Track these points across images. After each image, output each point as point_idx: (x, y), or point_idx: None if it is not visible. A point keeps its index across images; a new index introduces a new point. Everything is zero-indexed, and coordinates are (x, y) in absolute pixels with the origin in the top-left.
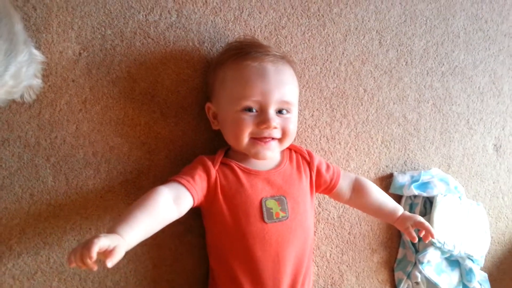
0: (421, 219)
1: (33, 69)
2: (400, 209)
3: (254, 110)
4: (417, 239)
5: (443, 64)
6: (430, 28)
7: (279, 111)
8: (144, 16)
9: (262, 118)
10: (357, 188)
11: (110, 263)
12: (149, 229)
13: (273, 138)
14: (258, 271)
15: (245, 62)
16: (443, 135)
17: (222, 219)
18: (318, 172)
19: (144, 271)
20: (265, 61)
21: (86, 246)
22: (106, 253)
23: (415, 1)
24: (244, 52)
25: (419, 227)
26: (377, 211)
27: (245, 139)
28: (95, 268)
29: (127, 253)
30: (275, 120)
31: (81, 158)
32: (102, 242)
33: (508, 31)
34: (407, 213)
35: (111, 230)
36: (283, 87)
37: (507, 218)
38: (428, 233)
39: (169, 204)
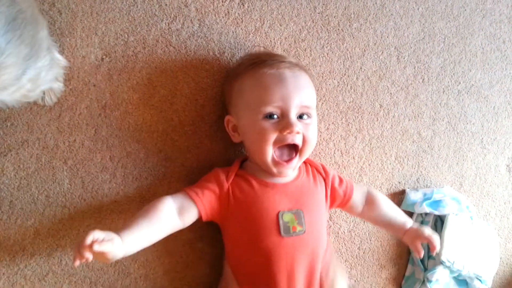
0: (426, 232)
1: (53, 73)
2: (409, 223)
3: (275, 117)
4: (422, 255)
5: (460, 83)
6: (448, 46)
7: (300, 116)
8: (167, 24)
9: (285, 123)
10: (369, 201)
11: (98, 245)
12: (149, 236)
13: (295, 152)
14: (273, 284)
15: (261, 70)
16: (457, 154)
17: (238, 232)
18: (332, 187)
19: (154, 277)
20: (281, 67)
21: (83, 238)
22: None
23: (434, 19)
24: (260, 61)
25: (424, 241)
26: (387, 224)
27: (270, 151)
28: (90, 258)
29: (138, 259)
30: (297, 125)
31: (98, 162)
32: (97, 233)
33: None
34: (415, 227)
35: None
36: (302, 91)
37: None
38: (432, 246)
39: (172, 214)
